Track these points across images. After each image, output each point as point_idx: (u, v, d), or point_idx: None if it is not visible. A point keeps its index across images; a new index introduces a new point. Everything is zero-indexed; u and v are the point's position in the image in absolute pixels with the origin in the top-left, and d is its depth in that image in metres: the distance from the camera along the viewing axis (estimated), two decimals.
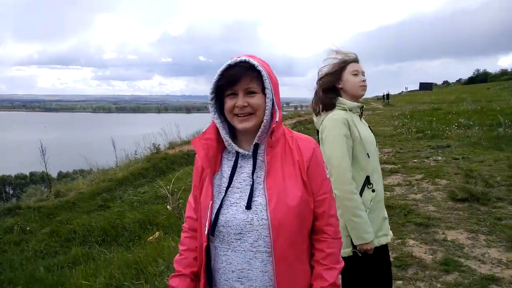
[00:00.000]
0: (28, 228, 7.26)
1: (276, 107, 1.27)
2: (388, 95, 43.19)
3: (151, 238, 5.75)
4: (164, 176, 9.73)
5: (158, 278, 3.73)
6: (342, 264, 1.31)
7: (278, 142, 1.28)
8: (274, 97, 1.27)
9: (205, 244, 1.26)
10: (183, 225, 1.46)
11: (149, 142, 12.85)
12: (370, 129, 2.17)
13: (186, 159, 11.17)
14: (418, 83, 62.93)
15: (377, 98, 47.32)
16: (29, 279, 5.15)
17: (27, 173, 46.90)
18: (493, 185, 5.63)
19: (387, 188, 6.26)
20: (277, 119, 1.25)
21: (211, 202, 1.25)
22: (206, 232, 1.25)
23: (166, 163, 11.01)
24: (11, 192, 38.22)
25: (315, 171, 1.28)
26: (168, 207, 7.01)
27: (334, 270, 1.27)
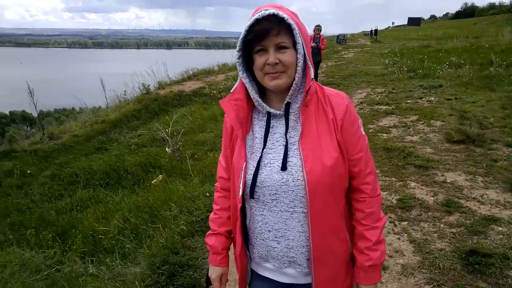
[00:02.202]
0: (28, 171, 7.27)
1: (309, 62, 1.19)
2: (376, 30, 42.22)
3: (154, 181, 5.85)
4: (158, 118, 9.65)
5: (174, 221, 3.89)
6: (384, 220, 1.30)
7: (311, 100, 1.22)
8: (305, 52, 1.17)
9: (239, 205, 1.26)
10: (216, 184, 1.48)
11: (137, 81, 12.53)
12: None
13: (178, 100, 11.03)
14: (407, 18, 61.52)
15: (364, 34, 46.18)
16: (39, 222, 5.28)
17: (7, 112, 45.69)
18: (487, 127, 5.82)
19: (383, 129, 6.43)
20: (312, 76, 1.19)
21: (244, 163, 1.24)
22: (240, 193, 1.24)
23: (158, 104, 10.83)
24: None
25: (350, 129, 1.23)
26: (167, 149, 7.05)
27: (376, 229, 1.26)
